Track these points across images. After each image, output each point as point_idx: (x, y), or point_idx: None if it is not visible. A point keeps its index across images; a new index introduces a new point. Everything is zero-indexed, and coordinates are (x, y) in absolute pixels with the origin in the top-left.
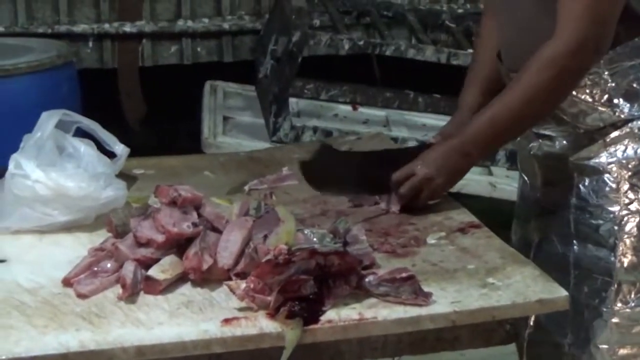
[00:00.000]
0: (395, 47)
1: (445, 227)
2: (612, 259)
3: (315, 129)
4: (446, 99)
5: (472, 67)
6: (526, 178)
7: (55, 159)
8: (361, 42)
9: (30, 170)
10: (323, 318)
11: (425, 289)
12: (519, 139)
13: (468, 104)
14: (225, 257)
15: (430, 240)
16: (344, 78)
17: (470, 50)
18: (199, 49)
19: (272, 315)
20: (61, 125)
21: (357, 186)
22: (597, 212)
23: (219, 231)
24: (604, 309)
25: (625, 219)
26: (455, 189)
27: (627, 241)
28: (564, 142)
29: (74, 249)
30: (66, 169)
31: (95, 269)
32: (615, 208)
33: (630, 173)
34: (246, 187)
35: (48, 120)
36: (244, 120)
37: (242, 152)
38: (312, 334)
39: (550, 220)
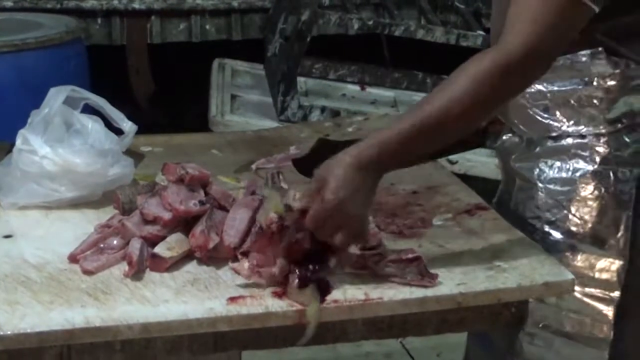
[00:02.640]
0: (405, 28)
1: (452, 209)
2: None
3: (323, 109)
4: None
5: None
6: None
7: (63, 135)
8: (370, 22)
9: (38, 145)
10: (329, 298)
11: (431, 270)
12: None
13: None
14: (232, 236)
15: (437, 221)
16: (352, 58)
17: (480, 32)
18: (207, 27)
19: (284, 291)
20: (69, 102)
21: None
22: (525, 221)
23: (225, 209)
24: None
25: (545, 237)
26: (462, 170)
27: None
28: (516, 139)
29: (81, 225)
30: (74, 145)
31: (102, 245)
32: (537, 223)
33: (557, 190)
34: (253, 166)
35: (56, 96)
36: (252, 98)
37: (249, 130)
38: None
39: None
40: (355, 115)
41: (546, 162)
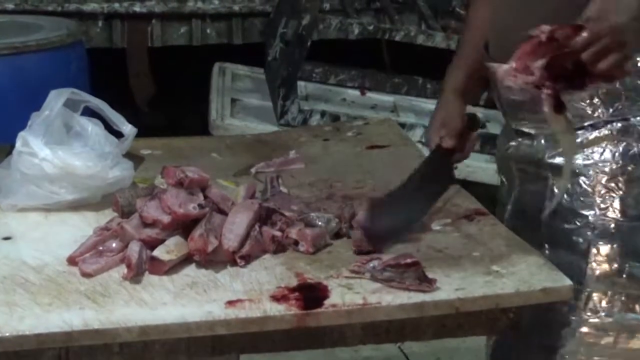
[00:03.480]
0: (405, 33)
1: (451, 214)
2: (584, 265)
3: (323, 113)
4: None
5: (459, 51)
6: (504, 179)
7: (63, 138)
8: (371, 27)
9: (38, 148)
10: (327, 302)
11: (430, 275)
12: (498, 138)
13: (452, 87)
14: (231, 240)
15: (436, 226)
16: (352, 62)
17: None
18: (208, 31)
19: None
20: (69, 104)
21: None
22: (570, 216)
23: (224, 213)
24: (573, 318)
25: (600, 224)
26: (461, 176)
27: (601, 248)
28: (542, 141)
29: (80, 227)
30: (73, 147)
31: (101, 248)
32: (589, 212)
33: (607, 177)
34: (253, 170)
35: (56, 99)
36: (252, 102)
37: (249, 134)
38: (315, 318)
39: (523, 222)
40: (355, 119)
41: (592, 151)
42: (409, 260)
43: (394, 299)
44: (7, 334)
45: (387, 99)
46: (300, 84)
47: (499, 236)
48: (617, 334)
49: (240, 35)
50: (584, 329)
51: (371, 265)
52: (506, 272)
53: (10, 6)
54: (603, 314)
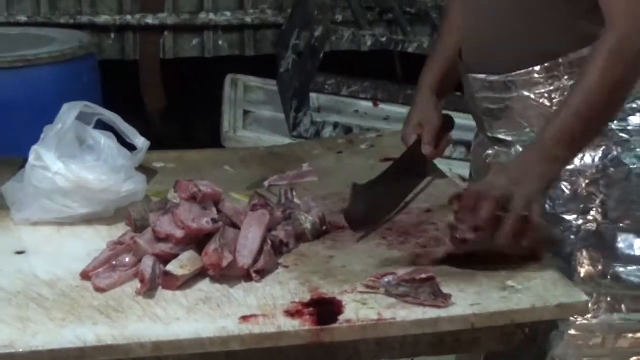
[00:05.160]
0: (418, 44)
1: None
2: (569, 269)
3: (335, 125)
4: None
5: (435, 48)
6: None
7: (76, 151)
8: (383, 39)
9: (51, 162)
10: (341, 318)
11: (445, 290)
12: (473, 147)
13: (427, 83)
14: (245, 257)
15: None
16: (365, 74)
17: None
18: (220, 42)
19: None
20: (82, 117)
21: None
22: (553, 220)
23: (237, 227)
24: (560, 321)
25: (582, 227)
26: None
27: (584, 251)
28: (520, 149)
29: (93, 241)
30: (86, 161)
31: (114, 262)
32: (571, 217)
33: (587, 181)
34: (266, 183)
35: (69, 112)
36: (264, 114)
37: (262, 147)
38: (330, 333)
39: None
40: (368, 131)
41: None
42: (424, 276)
43: (408, 314)
44: (21, 350)
45: (400, 110)
46: (313, 95)
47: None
48: (604, 334)
49: (253, 47)
50: (572, 332)
51: (386, 280)
52: (522, 288)
53: (23, 18)
54: (589, 315)
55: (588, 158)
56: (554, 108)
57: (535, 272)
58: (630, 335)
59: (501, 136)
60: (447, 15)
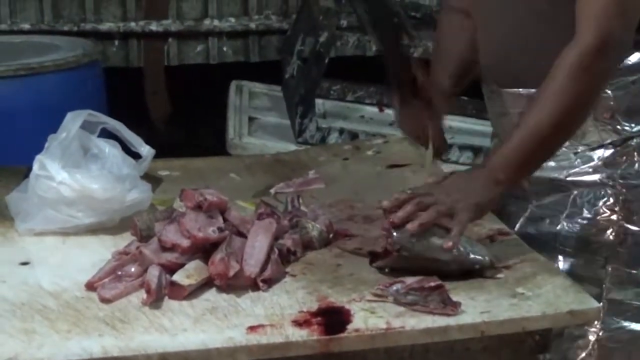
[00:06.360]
0: (423, 49)
1: (473, 234)
2: (602, 275)
3: (341, 131)
4: (473, 102)
5: (436, 58)
6: (513, 197)
7: (80, 160)
8: None
9: (55, 171)
10: (350, 327)
11: (454, 298)
12: (492, 149)
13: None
14: (252, 265)
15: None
16: (371, 79)
17: None
18: (225, 49)
19: None
20: (86, 126)
21: None
22: (590, 225)
23: (244, 236)
24: (587, 328)
25: (620, 234)
26: None
27: (618, 258)
28: (552, 163)
29: (98, 252)
30: (91, 170)
31: (120, 273)
32: (610, 222)
33: (627, 188)
34: (272, 191)
35: (73, 121)
36: (269, 120)
37: (267, 154)
38: (338, 342)
39: (536, 232)
40: (374, 137)
41: (614, 166)
42: (432, 284)
43: (417, 322)
44: None
45: None
46: (318, 101)
47: (524, 257)
48: (631, 347)
49: (257, 53)
50: (598, 340)
51: (394, 288)
52: (532, 295)
53: (26, 26)
54: (616, 325)
55: (629, 166)
56: (595, 121)
57: (545, 279)
58: None
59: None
60: (442, 29)
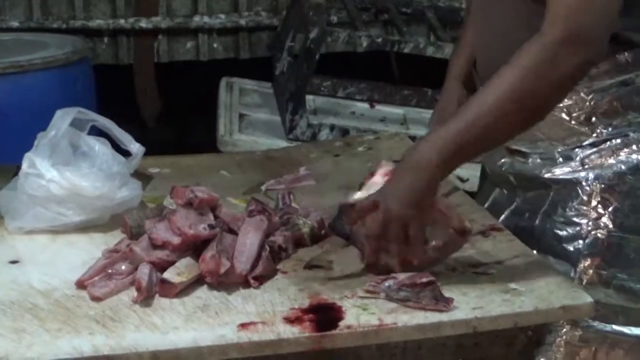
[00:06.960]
0: (414, 45)
1: None
2: (572, 274)
3: (332, 127)
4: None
5: (461, 40)
6: (503, 190)
7: (70, 158)
8: (379, 39)
9: (45, 169)
10: (342, 324)
11: (446, 294)
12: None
13: (453, 73)
14: (243, 263)
15: None
16: (361, 75)
17: None
18: (215, 45)
19: None
20: (76, 123)
21: None
22: (563, 223)
23: (235, 233)
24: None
25: (592, 233)
26: (473, 189)
27: (590, 258)
28: (538, 160)
29: (88, 250)
30: (81, 168)
31: (110, 271)
32: (582, 221)
33: (602, 186)
34: (263, 187)
35: (63, 119)
36: (260, 117)
37: (258, 151)
38: (330, 339)
39: (519, 228)
40: (365, 133)
41: (592, 166)
42: (424, 280)
43: (410, 319)
44: None
45: (397, 111)
46: (309, 97)
47: (516, 253)
48: (597, 345)
49: (247, 50)
50: (564, 340)
51: (386, 284)
52: (524, 290)
53: (15, 24)
54: (584, 324)
55: (606, 166)
56: (573, 122)
57: (538, 274)
58: (622, 351)
59: (519, 148)
60: (469, 7)
